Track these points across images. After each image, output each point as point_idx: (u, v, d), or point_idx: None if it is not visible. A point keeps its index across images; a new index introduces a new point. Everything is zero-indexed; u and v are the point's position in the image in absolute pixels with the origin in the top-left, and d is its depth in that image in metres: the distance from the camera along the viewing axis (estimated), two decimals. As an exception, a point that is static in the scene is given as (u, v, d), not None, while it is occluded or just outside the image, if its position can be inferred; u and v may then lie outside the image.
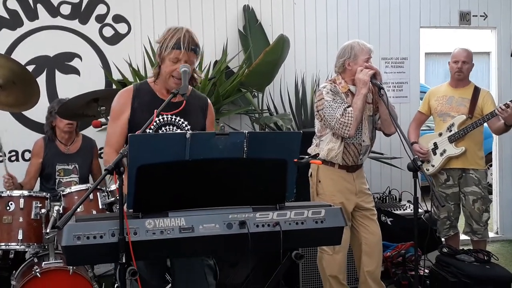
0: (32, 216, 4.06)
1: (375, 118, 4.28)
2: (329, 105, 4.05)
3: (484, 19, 6.62)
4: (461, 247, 5.08)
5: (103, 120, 4.42)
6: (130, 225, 2.47)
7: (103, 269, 5.20)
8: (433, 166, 5.11)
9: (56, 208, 4.08)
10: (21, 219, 4.03)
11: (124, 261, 2.44)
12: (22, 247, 4.04)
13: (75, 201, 4.10)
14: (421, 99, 5.54)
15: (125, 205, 2.53)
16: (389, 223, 5.23)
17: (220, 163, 2.60)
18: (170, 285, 4.06)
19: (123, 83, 5.30)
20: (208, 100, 3.37)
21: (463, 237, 5.44)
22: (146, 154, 2.48)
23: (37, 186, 4.92)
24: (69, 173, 4.88)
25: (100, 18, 5.58)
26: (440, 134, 5.10)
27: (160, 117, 3.09)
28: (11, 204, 4.04)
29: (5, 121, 5.23)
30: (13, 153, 5.34)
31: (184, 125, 3.15)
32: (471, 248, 4.98)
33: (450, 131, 5.03)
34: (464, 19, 6.57)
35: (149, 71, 5.16)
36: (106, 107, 4.31)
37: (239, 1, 5.92)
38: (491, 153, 6.91)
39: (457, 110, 5.06)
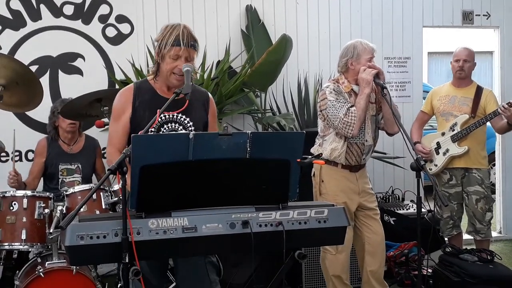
0: (36, 216, 4.06)
1: (378, 117, 4.28)
2: (332, 105, 4.05)
3: (487, 19, 6.61)
4: (464, 247, 5.07)
5: (106, 120, 4.42)
6: (133, 225, 2.47)
7: (106, 269, 5.21)
8: (436, 165, 5.11)
9: (59, 208, 4.08)
10: (24, 219, 4.03)
11: (127, 261, 2.45)
12: (26, 247, 4.04)
13: (78, 201, 4.10)
14: (424, 98, 5.53)
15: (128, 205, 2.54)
16: (392, 222, 5.23)
17: (223, 163, 2.60)
18: (173, 284, 4.08)
19: (126, 83, 5.29)
20: (209, 94, 3.35)
21: (466, 236, 5.44)
22: (149, 154, 2.48)
23: (40, 186, 4.93)
24: (72, 172, 4.89)
25: (103, 18, 5.59)
26: (443, 134, 5.10)
27: (162, 115, 3.08)
28: (15, 204, 4.05)
29: (9, 122, 5.24)
30: (17, 153, 5.35)
31: (186, 121, 3.14)
32: (474, 247, 4.98)
33: (453, 130, 5.03)
34: (467, 18, 6.57)
35: (152, 71, 5.16)
36: (109, 107, 4.30)
37: (242, 1, 5.93)
38: (494, 152, 6.91)
39: (460, 109, 5.05)
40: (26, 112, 5.26)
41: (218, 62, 5.69)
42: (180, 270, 3.16)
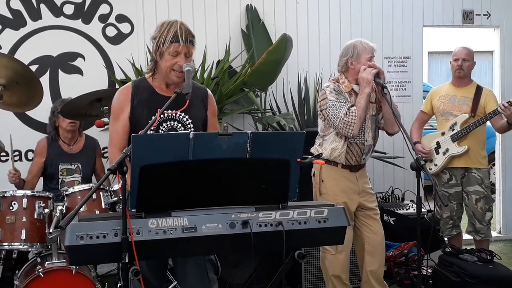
0: (35, 216, 4.06)
1: (378, 117, 4.27)
2: (333, 105, 4.05)
3: (487, 18, 6.61)
4: (464, 247, 5.07)
5: (106, 119, 4.42)
6: (133, 225, 2.47)
7: (106, 269, 5.20)
8: (436, 165, 5.11)
9: (59, 208, 4.09)
10: (24, 219, 4.03)
11: (127, 261, 2.45)
12: (25, 247, 4.04)
13: (78, 201, 4.10)
14: (424, 98, 5.54)
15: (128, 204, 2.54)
16: (392, 222, 5.23)
17: (223, 163, 2.60)
18: (173, 284, 4.08)
19: (126, 83, 5.30)
20: (208, 90, 3.33)
21: (466, 236, 5.44)
22: (149, 154, 2.48)
23: (40, 186, 4.93)
24: (72, 172, 4.89)
25: (103, 18, 5.59)
26: (443, 133, 5.10)
27: (161, 114, 3.07)
28: (14, 204, 4.05)
29: (9, 121, 5.24)
30: (16, 153, 5.35)
31: (185, 119, 3.13)
32: (474, 247, 4.98)
33: (453, 130, 5.03)
34: (467, 18, 6.56)
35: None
36: (109, 107, 4.27)
37: (242, 1, 5.93)
38: (494, 152, 6.92)
39: (460, 109, 5.05)
40: (26, 112, 5.26)
41: (218, 61, 5.69)
42: (180, 267, 3.15)
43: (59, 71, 5.51)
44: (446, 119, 5.11)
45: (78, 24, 5.53)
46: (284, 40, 5.26)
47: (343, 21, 6.23)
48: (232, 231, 2.60)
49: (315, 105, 5.53)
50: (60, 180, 4.86)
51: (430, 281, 4.79)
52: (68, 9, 5.51)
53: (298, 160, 2.71)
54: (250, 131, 2.60)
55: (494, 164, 6.99)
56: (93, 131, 5.14)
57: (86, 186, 4.28)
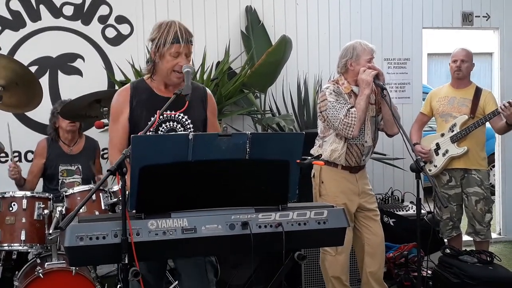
0: (35, 217, 4.06)
1: (377, 118, 4.28)
2: (332, 106, 4.05)
3: (486, 20, 6.62)
4: (463, 248, 5.08)
5: (105, 121, 4.42)
6: (133, 226, 2.47)
7: (106, 270, 5.19)
8: (435, 166, 5.11)
9: (58, 209, 4.08)
10: (24, 220, 4.03)
11: (126, 262, 2.44)
12: (25, 247, 4.04)
13: (77, 202, 4.10)
14: (424, 100, 5.54)
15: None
16: (391, 224, 5.23)
17: (222, 164, 2.60)
18: (173, 285, 4.08)
19: (126, 84, 5.30)
20: (207, 89, 3.32)
21: (465, 238, 5.44)
22: (148, 155, 2.47)
23: (40, 187, 4.93)
24: (72, 173, 4.89)
25: (103, 19, 5.59)
26: (442, 135, 5.10)
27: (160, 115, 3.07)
28: (14, 204, 4.05)
29: (8, 122, 5.23)
30: (16, 154, 5.35)
31: (184, 120, 3.12)
32: (474, 249, 4.98)
33: (452, 131, 5.03)
34: (467, 19, 6.57)
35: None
36: (108, 108, 4.29)
37: (242, 2, 5.93)
38: (493, 154, 6.91)
39: (459, 110, 5.06)
40: (26, 113, 5.26)
41: (218, 63, 5.69)
42: (180, 268, 3.15)
43: (59, 72, 5.51)
44: (445, 121, 5.11)
45: (77, 25, 5.53)
46: (283, 41, 5.26)
47: (343, 23, 6.24)
48: (232, 232, 2.59)
49: (314, 107, 5.53)
50: (60, 181, 4.86)
51: (430, 283, 4.79)
52: (68, 10, 5.51)
53: (298, 161, 2.71)
54: (249, 132, 2.60)
55: (494, 166, 6.98)
56: (92, 132, 5.14)
57: (85, 187, 4.28)
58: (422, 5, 6.44)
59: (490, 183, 5.25)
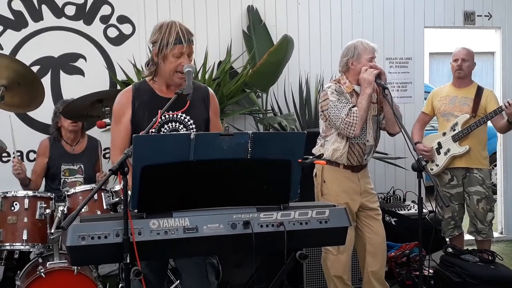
0: (37, 217, 4.06)
1: (379, 118, 4.28)
2: (334, 105, 4.05)
3: (488, 19, 6.61)
4: (465, 247, 5.08)
5: (107, 120, 4.43)
6: (135, 225, 2.47)
7: (108, 269, 5.21)
8: (437, 165, 5.11)
9: (60, 208, 4.09)
10: (25, 220, 4.04)
11: (128, 261, 2.45)
12: (27, 247, 4.05)
13: (79, 202, 4.11)
14: (426, 99, 5.54)
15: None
16: (393, 223, 5.23)
17: (224, 164, 2.60)
18: (174, 285, 4.08)
19: (128, 84, 5.27)
20: (209, 89, 3.32)
21: (467, 237, 5.44)
22: (150, 154, 2.48)
23: (42, 186, 4.93)
24: (74, 173, 4.90)
25: (105, 19, 5.59)
26: (444, 134, 5.10)
27: (162, 115, 3.06)
28: (16, 204, 4.05)
29: (10, 122, 5.23)
30: (18, 154, 5.34)
31: (186, 120, 3.13)
32: (476, 248, 4.98)
33: (454, 130, 5.03)
34: (469, 19, 6.56)
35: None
36: (110, 108, 4.27)
37: (243, 2, 5.93)
38: (495, 153, 6.91)
39: (461, 109, 5.06)
40: (28, 113, 5.26)
41: (220, 62, 5.69)
42: (181, 268, 3.16)
43: (61, 72, 5.51)
44: (447, 120, 5.11)
45: (79, 25, 5.53)
46: (285, 41, 5.26)
47: (344, 22, 6.23)
48: (234, 231, 2.60)
49: (316, 106, 5.53)
50: (62, 180, 4.87)
51: (432, 282, 4.79)
52: (70, 10, 5.51)
53: (299, 160, 2.71)
54: (251, 132, 2.61)
55: (495, 165, 6.98)
56: (94, 132, 5.14)
57: (87, 187, 4.28)
58: (424, 4, 6.44)
59: (492, 182, 5.24)
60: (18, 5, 5.39)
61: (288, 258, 2.73)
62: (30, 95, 4.25)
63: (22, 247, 4.04)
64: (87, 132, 5.13)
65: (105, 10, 5.60)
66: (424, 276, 4.45)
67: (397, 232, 5.15)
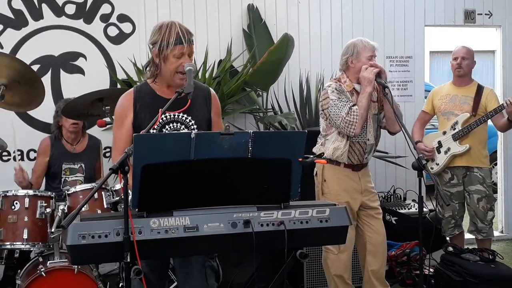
0: (37, 216, 4.06)
1: (380, 116, 4.27)
2: (334, 104, 4.05)
3: (489, 18, 6.61)
4: (466, 246, 5.08)
5: (107, 119, 4.43)
6: (135, 224, 2.47)
7: (108, 268, 5.21)
8: (437, 164, 5.11)
9: (61, 207, 4.09)
10: (26, 219, 4.04)
11: (128, 260, 2.45)
12: (27, 246, 4.05)
13: (80, 200, 4.11)
14: (426, 97, 5.54)
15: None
16: (393, 222, 5.23)
17: (224, 163, 2.60)
18: (175, 284, 4.08)
19: (128, 83, 5.31)
20: (211, 90, 3.31)
21: (468, 236, 5.44)
22: (151, 153, 2.48)
23: (42, 186, 4.93)
24: (75, 172, 4.90)
25: (105, 18, 5.59)
26: (444, 133, 5.10)
27: (163, 116, 3.06)
28: (16, 203, 4.06)
29: (10, 121, 5.24)
30: (18, 153, 5.34)
31: (188, 120, 3.12)
32: (476, 247, 4.98)
33: (454, 129, 5.03)
34: (469, 17, 6.56)
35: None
36: (110, 107, 4.31)
37: (244, 0, 5.92)
38: (496, 151, 6.91)
39: (461, 108, 5.06)
40: (28, 112, 5.26)
41: (220, 61, 5.68)
42: (179, 273, 3.16)
43: (61, 70, 5.50)
44: (447, 119, 5.11)
45: (79, 24, 5.53)
46: (285, 39, 5.26)
47: (345, 21, 6.23)
48: (234, 230, 2.60)
49: (316, 105, 5.53)
50: (62, 179, 4.86)
51: (432, 281, 4.79)
52: (70, 9, 5.50)
53: (300, 159, 2.71)
54: (251, 131, 2.60)
55: (496, 164, 6.98)
56: (95, 131, 5.14)
57: (88, 186, 4.28)
58: (424, 2, 6.43)
59: (492, 181, 5.24)
60: (18, 4, 5.39)
61: (288, 257, 2.73)
62: (30, 94, 4.25)
63: (22, 246, 4.04)
64: (88, 131, 5.12)
65: (105, 9, 5.59)
66: (424, 275, 4.45)
67: (398, 231, 5.15)
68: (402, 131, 3.71)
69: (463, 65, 5.09)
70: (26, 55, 5.25)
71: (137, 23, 5.66)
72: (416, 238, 4.90)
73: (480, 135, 5.03)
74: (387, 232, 4.34)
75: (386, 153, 5.90)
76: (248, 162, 2.64)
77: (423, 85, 6.61)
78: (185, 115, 3.11)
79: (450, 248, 4.78)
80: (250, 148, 2.60)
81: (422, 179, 3.43)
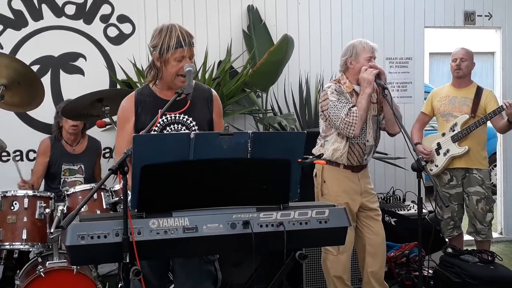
0: (36, 216, 4.07)
1: (379, 118, 4.27)
2: (334, 105, 4.05)
3: (488, 19, 6.61)
4: (465, 248, 5.08)
5: (107, 120, 4.43)
6: (134, 225, 2.47)
7: (107, 269, 5.20)
8: (436, 166, 5.11)
9: (60, 208, 4.09)
10: (25, 219, 4.04)
11: (128, 261, 2.45)
12: (26, 246, 4.05)
13: (79, 201, 4.11)
14: (426, 99, 5.54)
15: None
16: (393, 223, 5.22)
17: (224, 163, 2.60)
18: (173, 285, 4.08)
19: (128, 83, 5.31)
20: (213, 91, 3.29)
21: (467, 237, 5.43)
22: (150, 154, 2.48)
23: (41, 186, 4.93)
24: (74, 173, 4.90)
25: (105, 18, 5.59)
26: (443, 134, 5.10)
27: (164, 117, 3.06)
28: (16, 204, 4.06)
29: (10, 121, 5.24)
30: (18, 153, 5.35)
31: (189, 121, 3.11)
32: (475, 248, 4.98)
33: (453, 130, 5.03)
34: (469, 19, 6.56)
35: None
36: (110, 107, 4.32)
37: (243, 1, 5.93)
38: (495, 153, 6.91)
39: (460, 110, 5.06)
40: (28, 112, 5.26)
41: (220, 62, 5.69)
42: (175, 276, 3.15)
43: (61, 71, 5.50)
44: (446, 120, 5.11)
45: (79, 24, 5.53)
46: (285, 40, 5.26)
47: (345, 22, 6.23)
48: (233, 231, 2.60)
49: (316, 106, 5.53)
50: (62, 180, 4.87)
51: (431, 282, 4.79)
52: (70, 9, 5.50)
53: (299, 160, 2.71)
54: (251, 131, 2.60)
55: (495, 165, 6.99)
56: (94, 132, 5.14)
57: (87, 186, 4.28)
58: (424, 4, 6.44)
59: (492, 183, 5.25)
60: (18, 4, 5.39)
61: (287, 258, 2.73)
62: (30, 94, 4.25)
63: (21, 247, 4.05)
64: (87, 132, 5.12)
65: (105, 9, 5.59)
66: (423, 276, 4.46)
67: (397, 232, 5.15)
68: (402, 133, 3.71)
69: (462, 67, 5.10)
70: (26, 55, 5.25)
71: (137, 23, 5.66)
72: (415, 239, 4.90)
73: (479, 136, 5.03)
74: (387, 233, 4.34)
75: (386, 154, 5.90)
76: (247, 162, 2.64)
77: (423, 86, 6.61)
78: (186, 116, 3.10)
79: (449, 250, 4.78)
80: (249, 149, 2.60)
81: (421, 180, 3.43)
